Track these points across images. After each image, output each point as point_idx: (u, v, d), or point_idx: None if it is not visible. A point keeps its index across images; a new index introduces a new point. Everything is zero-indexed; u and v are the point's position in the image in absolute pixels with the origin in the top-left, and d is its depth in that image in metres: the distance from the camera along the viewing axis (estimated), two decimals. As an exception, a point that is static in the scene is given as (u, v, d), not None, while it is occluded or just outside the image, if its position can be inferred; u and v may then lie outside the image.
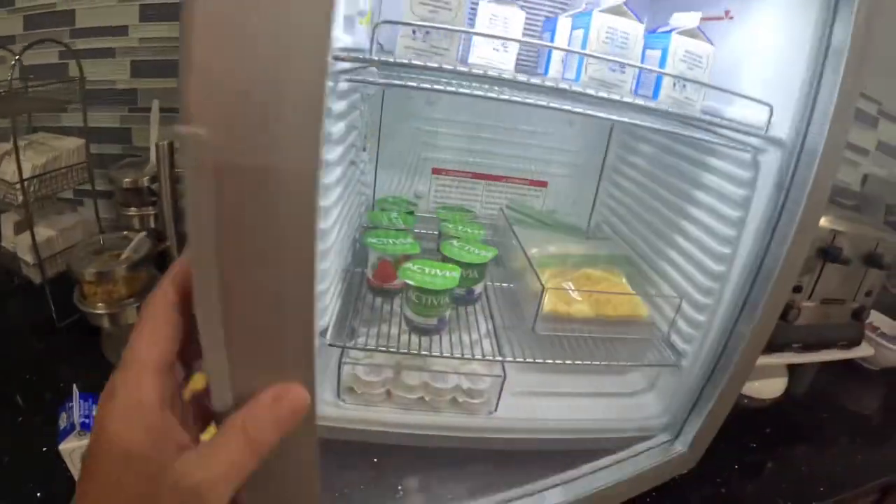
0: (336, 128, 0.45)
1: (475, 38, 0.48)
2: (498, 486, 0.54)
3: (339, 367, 0.53)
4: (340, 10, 0.41)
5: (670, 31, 0.51)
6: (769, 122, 0.47)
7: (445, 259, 0.59)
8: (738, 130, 0.49)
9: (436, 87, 0.41)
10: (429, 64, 0.39)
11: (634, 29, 0.50)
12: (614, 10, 0.49)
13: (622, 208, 0.80)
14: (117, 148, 0.95)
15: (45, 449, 0.57)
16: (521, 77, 0.43)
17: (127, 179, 0.79)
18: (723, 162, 0.57)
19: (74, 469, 0.52)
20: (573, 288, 0.61)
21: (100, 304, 0.68)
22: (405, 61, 0.40)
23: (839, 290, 0.79)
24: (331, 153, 0.44)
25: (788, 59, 0.47)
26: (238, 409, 0.25)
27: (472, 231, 0.67)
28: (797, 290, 0.75)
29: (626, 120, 0.49)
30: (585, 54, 0.48)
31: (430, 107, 0.76)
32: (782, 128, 0.47)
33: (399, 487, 0.54)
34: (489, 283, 0.71)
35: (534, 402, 0.61)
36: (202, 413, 0.29)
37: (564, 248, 0.70)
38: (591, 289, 0.63)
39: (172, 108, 0.86)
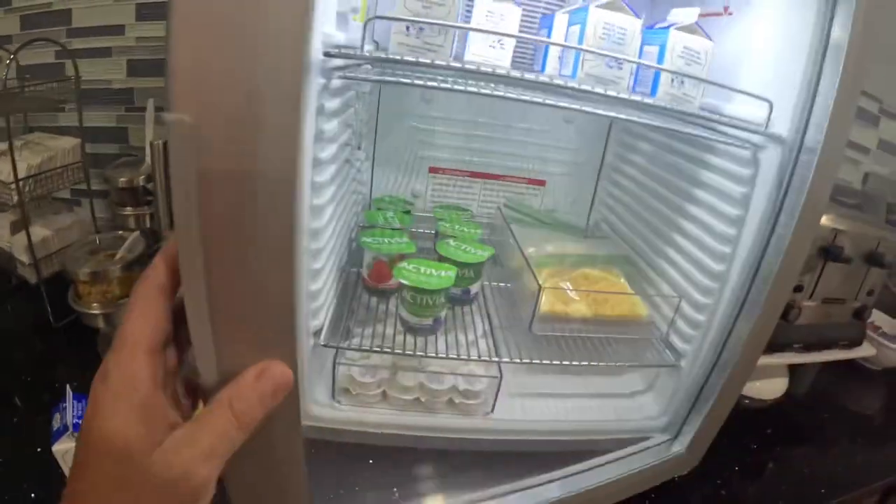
0: (329, 126, 0.44)
1: (471, 34, 0.47)
2: (494, 481, 0.53)
3: (334, 368, 0.53)
4: (332, 7, 0.41)
5: (668, 27, 0.50)
6: (769, 118, 0.47)
7: (441, 258, 0.58)
8: (737, 127, 0.49)
9: (429, 83, 0.40)
10: (421, 60, 0.39)
11: (632, 25, 0.49)
12: (611, 6, 0.49)
13: (621, 207, 0.79)
14: (114, 147, 0.95)
15: (39, 450, 0.56)
16: (515, 73, 0.43)
17: (122, 179, 0.79)
18: (722, 159, 0.56)
19: (67, 470, 0.52)
20: (571, 287, 0.61)
21: (94, 305, 0.68)
22: (397, 57, 0.39)
23: (840, 290, 0.78)
24: (323, 151, 0.44)
25: (788, 55, 0.46)
26: (224, 386, 0.27)
27: (469, 230, 0.66)
28: (798, 289, 0.75)
29: (623, 117, 0.48)
30: (581, 49, 0.47)
31: (427, 104, 0.76)
32: (782, 124, 0.47)
33: (394, 489, 0.53)
34: (486, 283, 0.70)
35: (531, 403, 0.60)
36: (194, 397, 0.30)
37: (562, 247, 0.70)
38: (589, 288, 0.62)
39: (168, 107, 0.86)
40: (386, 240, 0.59)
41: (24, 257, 0.78)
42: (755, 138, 0.50)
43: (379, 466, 0.55)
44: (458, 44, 0.48)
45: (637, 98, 0.47)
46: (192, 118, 0.23)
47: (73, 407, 0.53)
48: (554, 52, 0.57)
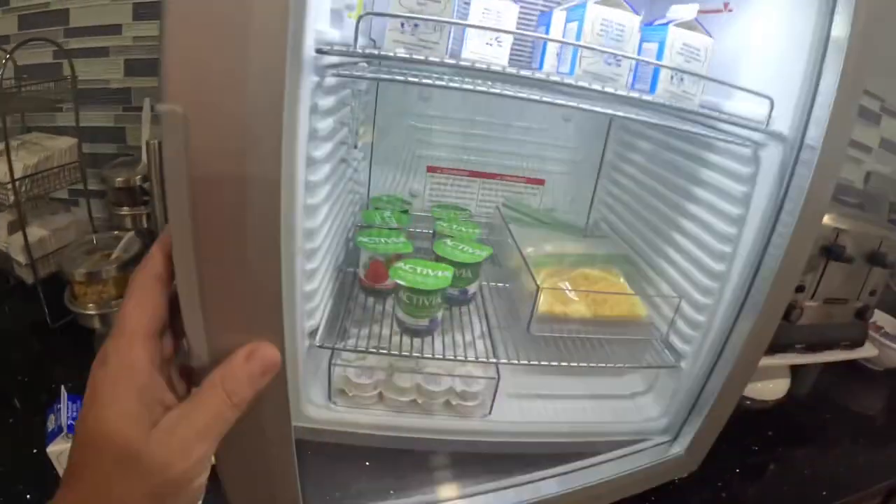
0: (323, 124, 0.44)
1: (468, 31, 0.47)
2: (491, 476, 0.53)
3: (330, 369, 0.52)
4: (326, 4, 0.40)
5: (667, 24, 0.50)
6: (770, 115, 0.46)
7: (438, 258, 0.58)
8: (738, 124, 0.48)
9: (424, 80, 0.40)
10: (415, 56, 0.38)
11: (630, 21, 0.49)
12: (609, 2, 0.48)
13: (620, 206, 0.79)
14: (112, 147, 0.95)
15: (35, 451, 0.56)
16: (511, 69, 0.42)
17: (119, 179, 0.79)
18: (722, 158, 0.55)
19: (62, 472, 0.51)
20: (570, 288, 0.60)
21: (90, 305, 0.67)
22: (390, 54, 0.39)
23: (842, 290, 0.77)
24: (317, 150, 0.43)
25: (788, 52, 0.46)
26: (215, 366, 0.27)
27: (467, 230, 0.66)
28: (800, 289, 0.74)
29: (622, 114, 0.47)
30: (579, 45, 0.47)
31: (424, 103, 0.75)
32: (783, 122, 0.46)
33: (391, 491, 0.53)
34: (484, 283, 0.70)
35: (529, 405, 0.59)
36: (189, 383, 0.30)
37: (561, 247, 0.69)
38: (589, 288, 0.61)
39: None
40: (382, 239, 0.59)
41: (20, 257, 0.78)
42: (756, 136, 0.49)
43: (375, 468, 0.54)
44: (455, 42, 0.48)
45: (636, 95, 0.47)
46: (183, 109, 0.24)
47: (67, 408, 0.53)
48: (552, 49, 0.57)
